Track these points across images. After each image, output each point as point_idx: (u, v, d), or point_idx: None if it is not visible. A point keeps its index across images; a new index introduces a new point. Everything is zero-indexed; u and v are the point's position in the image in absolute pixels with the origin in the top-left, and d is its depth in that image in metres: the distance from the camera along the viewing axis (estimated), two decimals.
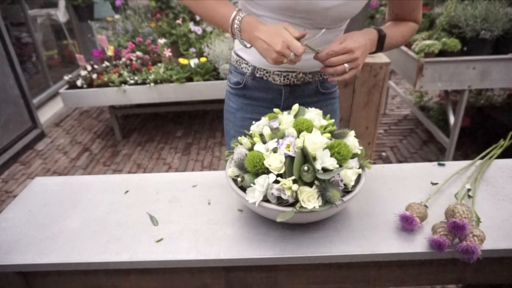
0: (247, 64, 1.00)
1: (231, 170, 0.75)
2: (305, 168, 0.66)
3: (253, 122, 0.80)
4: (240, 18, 0.79)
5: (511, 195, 0.84)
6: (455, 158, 2.47)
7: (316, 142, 0.67)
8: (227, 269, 0.75)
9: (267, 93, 1.01)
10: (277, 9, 0.85)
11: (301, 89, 1.00)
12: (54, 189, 0.95)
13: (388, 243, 0.72)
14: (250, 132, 0.80)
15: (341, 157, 0.68)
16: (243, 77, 1.01)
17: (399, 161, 2.59)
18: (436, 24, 2.21)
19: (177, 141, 3.06)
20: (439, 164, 0.96)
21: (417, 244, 0.71)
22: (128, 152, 2.95)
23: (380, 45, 0.87)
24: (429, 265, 0.75)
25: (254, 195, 0.68)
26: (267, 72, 0.98)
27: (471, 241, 0.65)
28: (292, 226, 0.77)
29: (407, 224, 0.73)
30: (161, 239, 0.76)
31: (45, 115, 3.51)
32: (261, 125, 0.78)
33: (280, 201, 0.68)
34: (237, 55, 1.03)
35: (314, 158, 0.67)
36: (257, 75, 0.99)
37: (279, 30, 0.75)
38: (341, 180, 0.69)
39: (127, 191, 0.92)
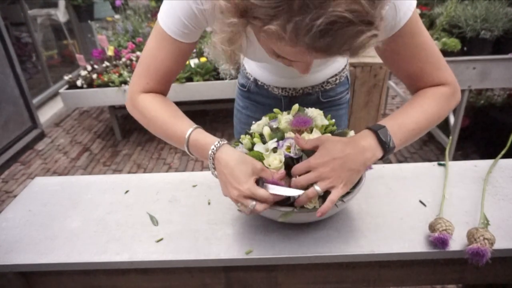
0: (250, 73, 1.03)
1: None
2: None
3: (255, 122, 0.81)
4: (217, 146, 0.65)
5: (511, 195, 0.84)
6: (455, 158, 2.46)
7: None
8: (227, 269, 0.75)
9: (268, 100, 1.04)
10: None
11: (301, 100, 0.99)
12: (54, 189, 0.95)
13: (388, 243, 0.72)
14: (251, 131, 0.80)
15: None
16: (248, 81, 1.05)
17: (399, 161, 2.59)
18: (436, 24, 2.21)
19: None
20: (439, 164, 0.96)
21: (417, 244, 0.71)
22: (128, 152, 2.95)
23: (385, 146, 0.65)
24: (429, 265, 0.75)
25: None
26: (266, 84, 1.00)
27: (482, 244, 0.65)
28: (292, 226, 0.76)
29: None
30: (161, 239, 0.76)
31: (45, 115, 3.51)
32: (261, 125, 0.79)
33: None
34: (243, 61, 1.06)
35: None
36: (259, 83, 1.02)
37: (243, 175, 0.62)
38: None
39: (127, 191, 0.92)
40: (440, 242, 0.68)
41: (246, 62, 1.04)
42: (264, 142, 0.73)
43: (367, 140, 0.65)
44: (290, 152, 0.68)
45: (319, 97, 1.00)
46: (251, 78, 1.03)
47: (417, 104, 0.71)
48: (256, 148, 0.72)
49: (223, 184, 0.66)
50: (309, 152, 0.67)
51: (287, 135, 0.71)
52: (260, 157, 0.69)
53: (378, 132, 0.65)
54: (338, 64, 0.98)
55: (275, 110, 0.81)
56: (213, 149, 0.65)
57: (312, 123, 0.72)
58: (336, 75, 0.99)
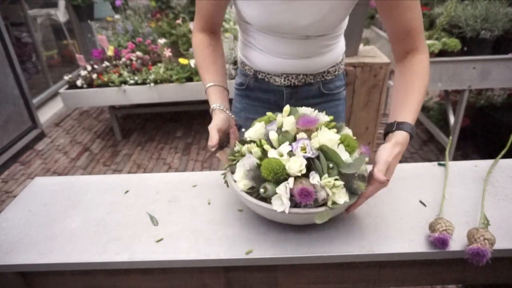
0: (249, 67, 1.03)
1: (243, 182, 0.71)
2: (330, 165, 0.66)
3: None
4: (214, 108, 0.86)
5: (511, 195, 0.84)
6: (455, 158, 2.46)
7: (332, 138, 0.68)
8: (227, 269, 0.75)
9: (269, 95, 1.03)
10: (262, 28, 0.90)
11: (303, 90, 1.01)
12: (54, 189, 0.95)
13: (388, 243, 0.72)
14: (248, 138, 0.75)
15: (351, 149, 0.70)
16: (247, 78, 1.05)
17: (399, 161, 2.58)
18: (436, 24, 2.22)
19: (177, 141, 3.06)
20: (439, 164, 0.96)
21: (417, 244, 0.71)
22: (128, 152, 2.95)
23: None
24: (429, 265, 0.75)
25: (282, 202, 0.66)
26: (268, 74, 1.00)
27: (482, 244, 0.65)
28: (292, 226, 0.76)
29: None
30: (161, 239, 0.76)
31: (45, 115, 3.51)
32: (258, 131, 0.75)
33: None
34: (241, 57, 1.05)
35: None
36: (259, 76, 1.01)
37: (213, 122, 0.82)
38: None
39: (127, 191, 0.92)
40: (440, 242, 0.68)
41: (245, 52, 1.02)
42: (272, 147, 0.72)
43: (406, 139, 0.75)
44: (305, 152, 0.66)
45: (321, 87, 1.02)
46: (250, 73, 1.02)
47: (415, 87, 0.79)
48: (270, 154, 0.69)
49: None
50: (327, 151, 0.67)
51: (298, 136, 0.70)
52: (280, 165, 0.66)
53: (412, 133, 0.75)
54: (337, 52, 1.00)
55: (268, 114, 0.78)
56: (212, 107, 0.85)
57: (318, 121, 0.72)
58: (334, 66, 1.01)
